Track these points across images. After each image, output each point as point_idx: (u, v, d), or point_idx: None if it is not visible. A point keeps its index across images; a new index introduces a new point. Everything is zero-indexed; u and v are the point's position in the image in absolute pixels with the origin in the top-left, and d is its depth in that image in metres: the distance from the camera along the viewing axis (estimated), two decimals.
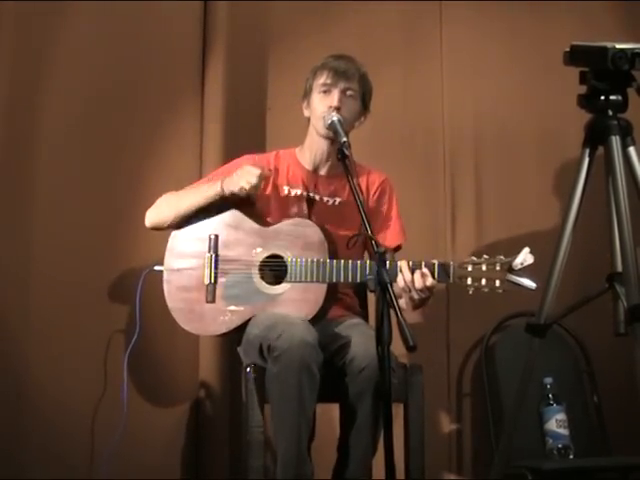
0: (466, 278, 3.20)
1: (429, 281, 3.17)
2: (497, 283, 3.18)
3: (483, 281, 3.19)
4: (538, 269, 3.16)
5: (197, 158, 3.98)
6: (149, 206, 3.50)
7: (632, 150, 3.05)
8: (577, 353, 4.17)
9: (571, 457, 3.90)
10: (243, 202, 3.43)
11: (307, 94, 3.48)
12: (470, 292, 3.21)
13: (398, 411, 3.25)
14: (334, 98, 3.39)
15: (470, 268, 3.20)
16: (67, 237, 3.68)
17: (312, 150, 3.48)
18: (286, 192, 3.47)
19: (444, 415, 4.16)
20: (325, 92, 3.41)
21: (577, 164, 3.09)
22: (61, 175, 3.70)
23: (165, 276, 3.43)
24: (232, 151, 3.76)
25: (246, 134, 4.04)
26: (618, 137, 3.01)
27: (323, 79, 3.42)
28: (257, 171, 3.31)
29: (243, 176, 3.31)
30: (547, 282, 3.12)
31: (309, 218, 3.45)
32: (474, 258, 3.21)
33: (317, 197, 3.49)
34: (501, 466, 3.23)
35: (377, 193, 3.53)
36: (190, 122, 4.01)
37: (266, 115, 4.11)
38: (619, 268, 3.07)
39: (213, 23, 4.04)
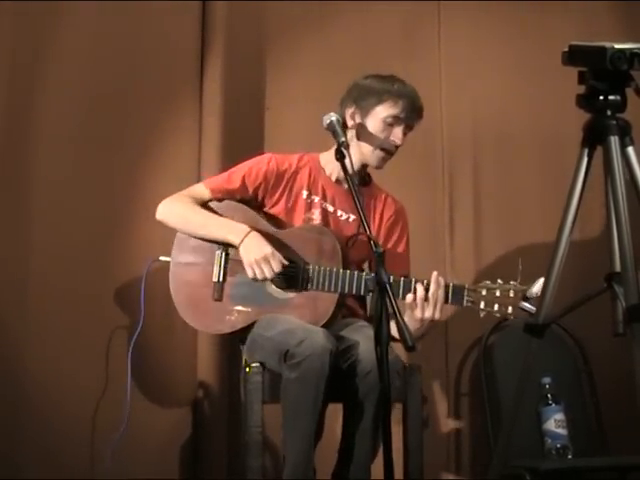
0: (479, 302, 3.20)
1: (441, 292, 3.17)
2: (509, 310, 3.18)
3: (496, 306, 3.19)
4: (537, 270, 3.15)
5: (195, 157, 3.98)
6: (148, 203, 3.49)
7: (631, 150, 3.04)
8: (575, 353, 4.17)
9: (569, 457, 3.91)
10: (258, 200, 3.42)
11: (363, 108, 3.37)
12: (481, 315, 3.21)
13: (397, 411, 3.25)
14: (399, 134, 3.35)
15: (484, 292, 3.19)
16: (66, 234, 3.69)
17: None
18: (304, 197, 3.43)
19: (442, 415, 4.16)
20: (391, 124, 3.36)
21: (576, 164, 3.09)
22: (60, 173, 3.71)
23: (172, 269, 3.40)
24: (230, 151, 3.77)
25: (244, 134, 4.03)
26: (617, 137, 3.01)
27: (397, 111, 3.34)
28: (278, 267, 3.25)
29: (262, 262, 3.25)
30: (545, 282, 3.12)
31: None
32: (488, 282, 3.20)
33: (331, 209, 3.44)
34: (499, 466, 3.23)
35: (391, 219, 3.49)
36: (189, 121, 4.00)
37: (264, 115, 4.11)
38: (618, 268, 3.07)
39: (212, 23, 4.04)
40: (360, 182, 3.36)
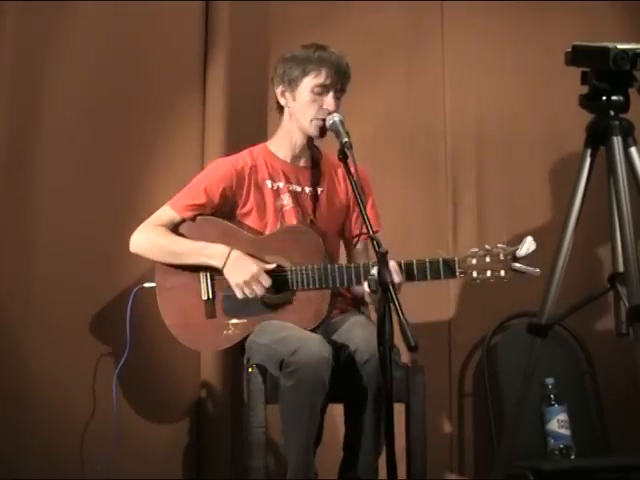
0: (471, 271, 3.20)
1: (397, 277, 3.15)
2: (502, 273, 3.19)
3: (488, 273, 3.19)
4: (540, 269, 3.15)
5: (199, 158, 3.98)
6: (150, 205, 3.48)
7: (633, 150, 3.05)
8: (578, 353, 4.16)
9: (572, 457, 3.90)
10: (228, 206, 3.41)
11: (291, 84, 3.37)
12: (477, 282, 3.21)
13: (400, 411, 3.25)
14: (331, 102, 3.33)
15: (474, 261, 3.20)
16: (71, 238, 3.69)
17: (290, 142, 3.43)
18: (269, 186, 3.42)
19: (445, 415, 4.16)
20: (320, 94, 3.35)
21: (579, 164, 3.09)
22: (64, 174, 3.71)
23: (158, 295, 3.37)
24: (234, 152, 3.75)
25: (248, 134, 4.02)
26: (619, 137, 3.02)
27: (322, 79, 3.33)
28: (268, 282, 3.25)
29: (252, 282, 3.24)
30: (549, 282, 3.12)
31: (294, 210, 3.41)
32: (476, 250, 3.21)
33: (299, 188, 3.44)
34: (502, 466, 3.24)
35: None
36: (192, 122, 4.01)
37: (268, 115, 4.11)
38: (621, 268, 3.07)
39: (215, 23, 4.04)
40: (312, 158, 3.44)
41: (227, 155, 3.74)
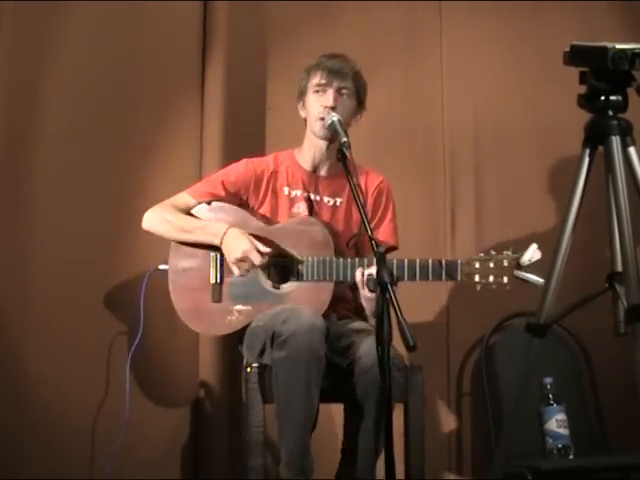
0: (474, 275, 3.20)
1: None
2: (505, 280, 3.20)
3: (491, 278, 3.20)
4: (539, 269, 3.15)
5: (197, 158, 3.99)
6: (150, 205, 3.49)
7: (632, 150, 3.05)
8: (577, 353, 4.17)
9: (571, 457, 3.90)
10: (242, 204, 3.46)
11: (302, 95, 3.48)
12: (478, 288, 3.21)
13: (398, 411, 3.25)
14: (329, 98, 3.39)
15: (477, 265, 3.21)
16: (68, 237, 3.68)
17: (311, 151, 3.49)
18: (286, 193, 3.47)
19: (444, 415, 4.16)
20: (319, 92, 3.41)
21: (577, 164, 3.09)
22: (61, 173, 3.71)
23: (170, 276, 3.41)
24: (232, 151, 3.77)
25: (246, 134, 4.04)
26: (618, 137, 3.01)
27: (317, 79, 3.42)
28: (258, 259, 3.28)
29: (243, 259, 3.29)
30: (547, 282, 3.12)
31: None
32: (482, 255, 3.22)
33: (317, 198, 3.49)
34: (501, 466, 3.23)
35: (375, 194, 3.52)
36: (190, 122, 4.01)
37: (265, 115, 4.12)
38: (619, 268, 3.07)
39: (213, 23, 4.04)
40: (336, 168, 3.41)
41: (225, 154, 3.76)
